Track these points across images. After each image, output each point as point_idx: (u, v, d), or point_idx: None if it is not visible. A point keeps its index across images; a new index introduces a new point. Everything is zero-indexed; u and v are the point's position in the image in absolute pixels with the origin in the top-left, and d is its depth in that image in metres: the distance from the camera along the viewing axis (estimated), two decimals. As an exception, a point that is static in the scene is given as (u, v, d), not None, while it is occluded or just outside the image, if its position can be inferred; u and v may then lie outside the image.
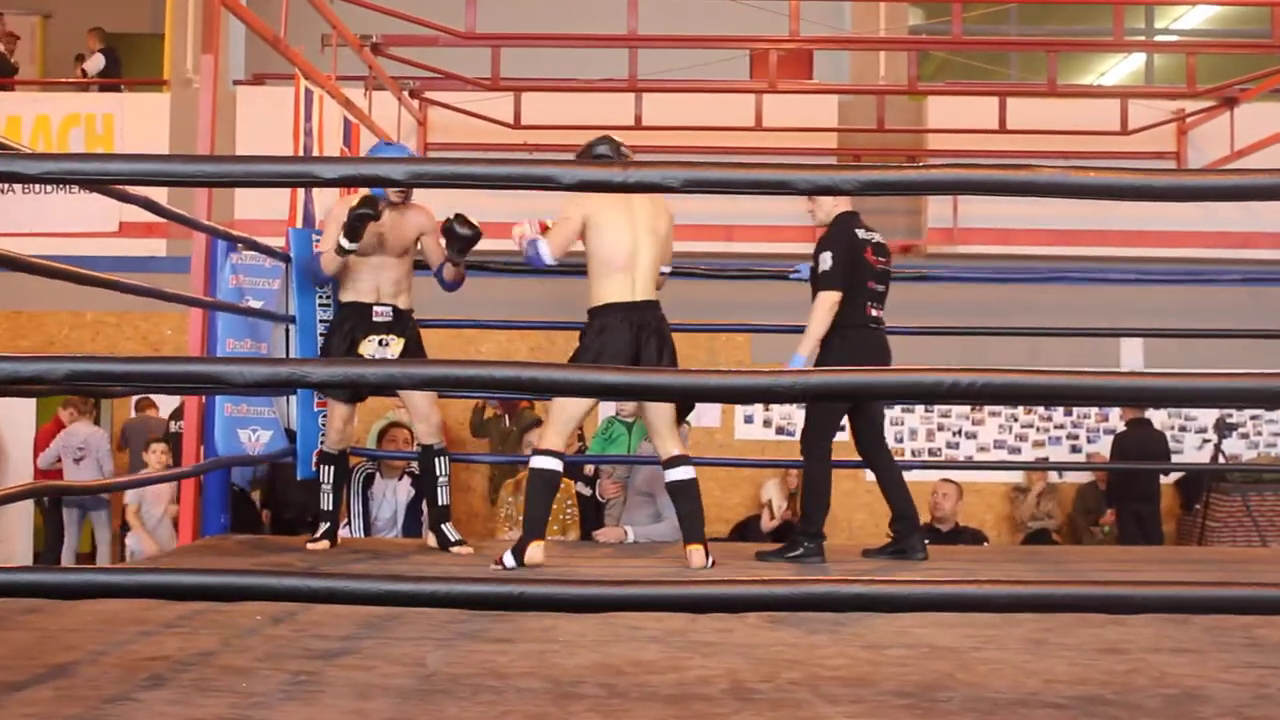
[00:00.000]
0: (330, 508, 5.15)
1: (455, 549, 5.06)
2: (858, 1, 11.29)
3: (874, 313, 5.06)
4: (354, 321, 5.11)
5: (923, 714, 2.43)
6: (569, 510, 6.16)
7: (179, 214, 4.61)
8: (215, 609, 3.33)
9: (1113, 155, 10.01)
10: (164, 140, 10.26)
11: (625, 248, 4.73)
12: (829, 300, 4.91)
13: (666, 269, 4.97)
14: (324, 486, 5.16)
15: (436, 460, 5.14)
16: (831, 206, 5.09)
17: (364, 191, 5.00)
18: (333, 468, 5.19)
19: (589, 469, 6.44)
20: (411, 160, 2.75)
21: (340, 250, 4.92)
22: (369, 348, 5.08)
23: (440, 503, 5.15)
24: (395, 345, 5.12)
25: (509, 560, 4.52)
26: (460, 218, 5.00)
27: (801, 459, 5.11)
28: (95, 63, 11.68)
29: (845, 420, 5.14)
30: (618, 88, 9.62)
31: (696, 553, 4.63)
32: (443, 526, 5.14)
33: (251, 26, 5.94)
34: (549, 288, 9.50)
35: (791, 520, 9.47)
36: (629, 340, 4.69)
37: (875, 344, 5.04)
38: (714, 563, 4.64)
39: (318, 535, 5.10)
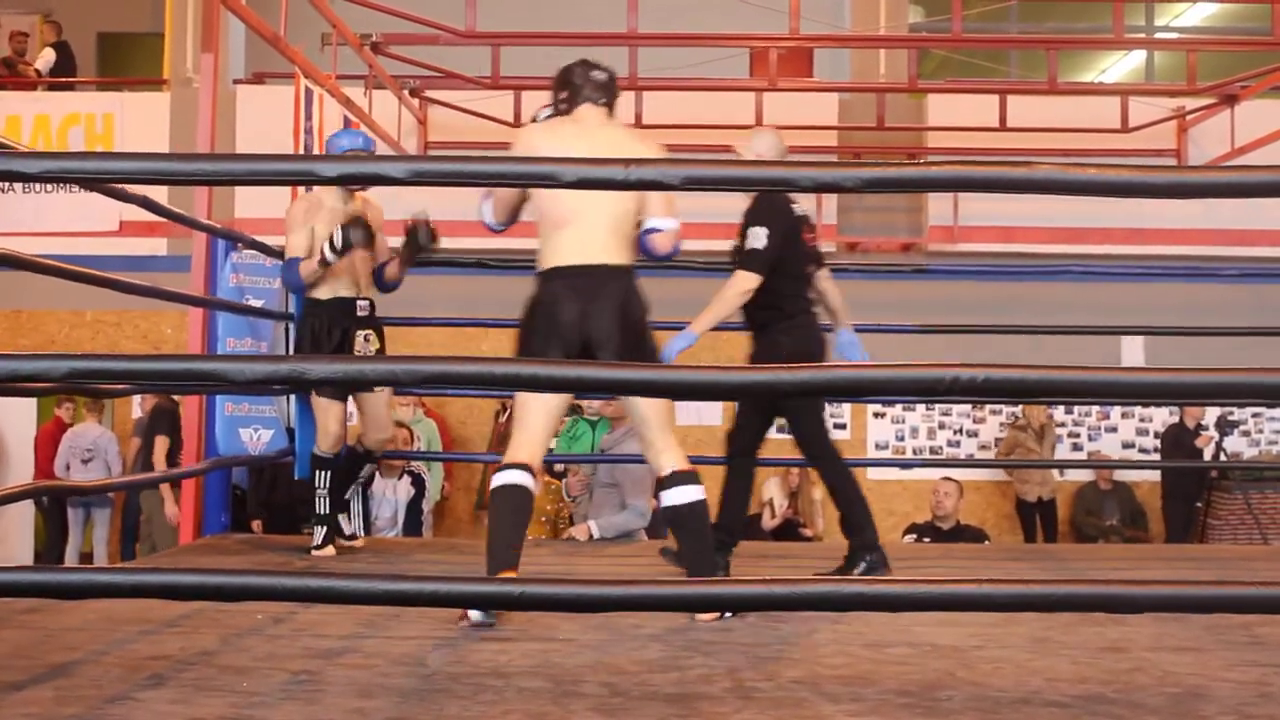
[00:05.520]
0: (325, 512, 4.87)
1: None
2: (858, -2, 11.28)
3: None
4: (338, 317, 4.89)
5: (924, 713, 2.43)
6: (561, 509, 6.21)
7: (179, 213, 4.61)
8: (216, 608, 3.33)
9: (1113, 153, 9.99)
10: (164, 139, 10.25)
11: (570, 198, 3.66)
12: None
13: (665, 224, 3.85)
14: (319, 491, 4.86)
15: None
16: None
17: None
18: (329, 472, 4.89)
19: (558, 467, 6.48)
20: (412, 158, 2.75)
21: (324, 262, 4.73)
22: (360, 343, 4.90)
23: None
24: (374, 341, 4.97)
25: (473, 614, 3.29)
26: (429, 229, 4.83)
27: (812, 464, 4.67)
28: (46, 59, 11.00)
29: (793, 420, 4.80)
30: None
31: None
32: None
33: (251, 25, 5.93)
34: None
35: (792, 518, 9.45)
36: (575, 317, 3.63)
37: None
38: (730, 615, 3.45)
39: (319, 543, 4.85)
